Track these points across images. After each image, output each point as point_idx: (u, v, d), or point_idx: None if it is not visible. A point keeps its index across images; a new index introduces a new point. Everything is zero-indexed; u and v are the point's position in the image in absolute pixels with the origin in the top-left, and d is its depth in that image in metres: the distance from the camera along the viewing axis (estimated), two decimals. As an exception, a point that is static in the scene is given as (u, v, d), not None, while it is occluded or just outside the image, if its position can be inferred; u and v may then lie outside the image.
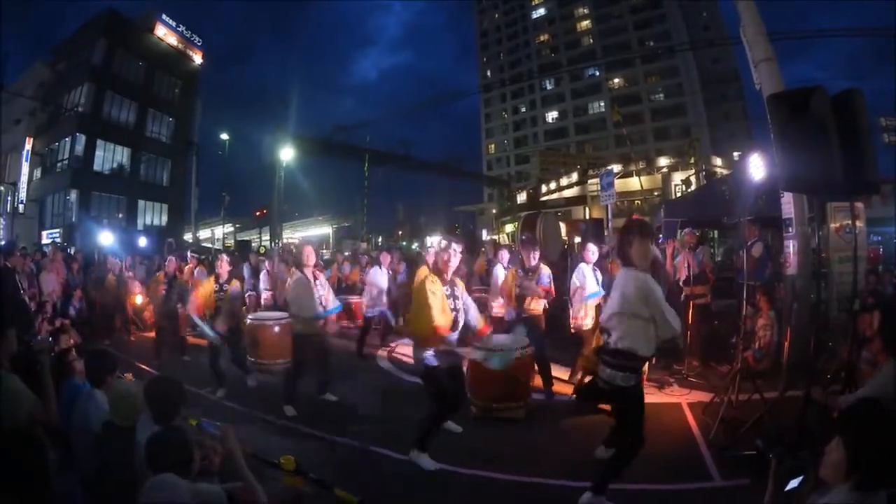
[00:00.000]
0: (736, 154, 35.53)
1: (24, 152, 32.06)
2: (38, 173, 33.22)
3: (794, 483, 1.97)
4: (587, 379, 5.64)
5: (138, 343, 10.13)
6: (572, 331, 6.91)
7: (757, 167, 6.16)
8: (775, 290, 7.43)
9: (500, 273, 7.42)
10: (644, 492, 4.00)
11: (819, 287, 6.11)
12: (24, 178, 31.74)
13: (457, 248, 4.62)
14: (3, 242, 21.80)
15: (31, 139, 32.44)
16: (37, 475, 2.02)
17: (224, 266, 7.17)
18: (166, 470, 2.20)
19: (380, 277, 9.01)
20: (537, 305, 6.47)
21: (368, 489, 3.73)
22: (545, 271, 6.48)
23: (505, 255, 7.98)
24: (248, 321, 7.61)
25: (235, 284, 7.18)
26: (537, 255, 6.54)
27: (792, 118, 4.01)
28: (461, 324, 4.58)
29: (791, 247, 6.96)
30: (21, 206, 31.34)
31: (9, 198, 31.55)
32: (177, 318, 8.94)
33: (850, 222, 6.57)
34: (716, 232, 14.09)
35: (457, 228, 44.34)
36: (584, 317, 6.76)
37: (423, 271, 4.60)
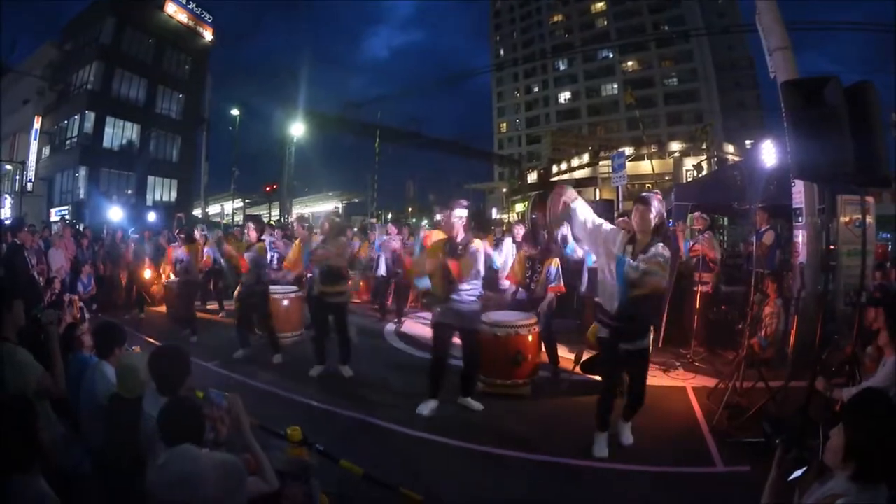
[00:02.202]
0: (748, 142, 35.17)
1: (33, 131, 32.19)
2: (46, 151, 33.38)
3: (797, 473, 1.96)
4: (586, 353, 5.92)
5: (148, 317, 10.20)
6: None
7: (769, 154, 6.09)
8: (784, 278, 7.39)
9: (508, 247, 7.46)
10: (646, 473, 4.03)
11: (827, 279, 6.07)
12: (32, 156, 31.95)
13: (458, 214, 5.17)
14: (10, 220, 21.99)
15: (40, 118, 32.57)
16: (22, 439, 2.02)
17: (252, 233, 7.36)
18: (180, 441, 2.21)
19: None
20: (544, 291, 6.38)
21: (374, 461, 3.76)
22: (553, 267, 6.26)
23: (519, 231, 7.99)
24: None
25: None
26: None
27: (805, 106, 3.97)
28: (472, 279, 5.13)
29: (801, 236, 6.92)
30: (29, 185, 31.57)
31: (17, 176, 31.75)
32: (190, 295, 9.05)
33: (859, 216, 6.51)
34: (725, 219, 13.98)
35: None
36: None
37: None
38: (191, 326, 8.48)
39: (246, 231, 7.54)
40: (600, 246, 4.17)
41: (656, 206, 4.03)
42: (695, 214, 7.86)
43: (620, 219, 8.25)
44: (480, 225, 13.80)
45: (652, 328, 5.22)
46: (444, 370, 5.29)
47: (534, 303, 6.20)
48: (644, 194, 4.33)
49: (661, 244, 4.02)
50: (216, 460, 2.21)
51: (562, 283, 6.33)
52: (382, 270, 10.06)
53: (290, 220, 27.60)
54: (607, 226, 4.22)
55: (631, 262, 3.91)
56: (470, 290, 5.16)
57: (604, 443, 4.30)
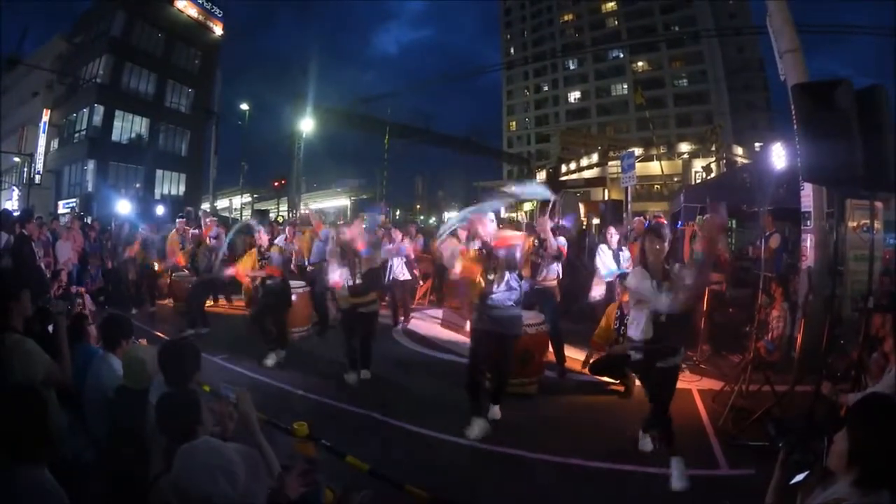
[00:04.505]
0: (757, 145, 34.97)
1: (42, 124, 32.44)
2: (55, 144, 33.59)
3: (800, 477, 1.96)
4: (595, 356, 6.04)
5: (156, 311, 10.22)
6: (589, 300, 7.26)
7: (779, 156, 6.06)
8: (790, 281, 7.35)
9: None
10: (651, 475, 4.03)
11: (834, 283, 6.04)
12: (40, 149, 32.21)
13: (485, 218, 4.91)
14: (18, 212, 22.14)
15: (49, 111, 32.82)
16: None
17: (263, 237, 7.34)
18: (177, 432, 2.19)
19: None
20: (551, 276, 6.46)
21: (379, 458, 3.78)
22: (560, 238, 6.33)
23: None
24: None
25: (276, 250, 7.24)
26: (549, 224, 6.31)
27: (816, 109, 3.96)
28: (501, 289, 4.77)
29: (808, 240, 6.88)
30: (38, 177, 31.82)
31: (25, 169, 31.96)
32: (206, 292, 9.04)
33: (868, 221, 6.47)
34: (734, 221, 13.93)
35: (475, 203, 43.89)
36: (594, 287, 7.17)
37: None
38: (202, 321, 8.51)
39: (257, 236, 7.46)
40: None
41: (667, 234, 4.15)
42: (706, 216, 7.83)
43: (637, 218, 8.31)
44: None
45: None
46: (480, 383, 4.90)
47: (539, 293, 6.19)
48: (656, 226, 4.37)
49: (675, 265, 4.08)
50: (239, 450, 2.19)
51: (565, 249, 6.35)
52: (398, 274, 9.54)
53: (301, 212, 27.44)
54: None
55: (664, 300, 3.87)
56: (505, 293, 4.80)
57: (682, 469, 3.90)
